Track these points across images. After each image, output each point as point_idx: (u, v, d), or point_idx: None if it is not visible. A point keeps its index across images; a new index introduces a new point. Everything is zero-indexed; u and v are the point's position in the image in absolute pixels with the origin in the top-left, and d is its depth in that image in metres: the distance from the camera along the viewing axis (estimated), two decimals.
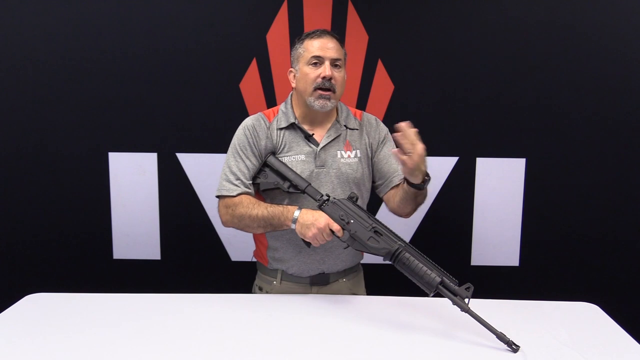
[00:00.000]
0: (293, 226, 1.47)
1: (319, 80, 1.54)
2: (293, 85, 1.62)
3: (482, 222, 2.28)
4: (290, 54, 1.65)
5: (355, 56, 2.17)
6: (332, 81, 1.55)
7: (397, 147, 1.37)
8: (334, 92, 1.56)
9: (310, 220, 1.43)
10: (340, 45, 1.60)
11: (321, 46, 1.55)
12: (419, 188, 1.46)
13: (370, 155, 1.67)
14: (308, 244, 1.49)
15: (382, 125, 1.71)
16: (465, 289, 1.31)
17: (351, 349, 1.26)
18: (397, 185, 1.62)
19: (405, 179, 1.46)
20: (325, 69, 1.54)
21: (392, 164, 1.65)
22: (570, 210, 2.26)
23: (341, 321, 1.41)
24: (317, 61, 1.55)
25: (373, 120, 1.71)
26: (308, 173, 1.57)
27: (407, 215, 1.62)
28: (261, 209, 1.52)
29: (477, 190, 2.26)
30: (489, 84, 2.19)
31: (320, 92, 1.54)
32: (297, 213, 1.47)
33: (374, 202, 2.04)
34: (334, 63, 1.56)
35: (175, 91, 2.19)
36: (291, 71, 1.63)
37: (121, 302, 1.53)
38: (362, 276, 1.78)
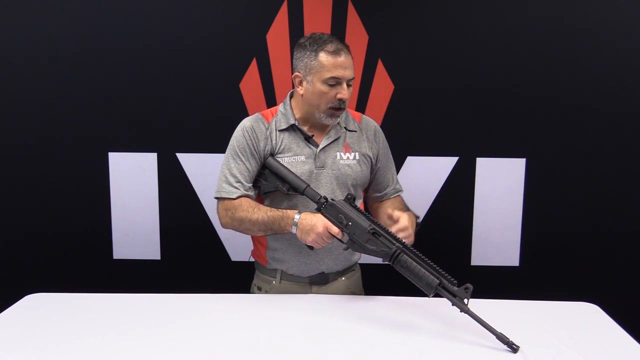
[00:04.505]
0: (294, 230, 1.47)
1: (336, 101, 1.53)
2: (300, 92, 1.58)
3: (482, 222, 2.28)
4: (297, 55, 1.58)
5: (355, 56, 2.15)
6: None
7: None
8: (344, 109, 1.58)
9: (309, 226, 1.44)
10: (350, 56, 1.57)
11: (340, 66, 1.51)
12: None
13: (372, 159, 1.67)
14: (311, 247, 1.50)
15: (379, 131, 1.72)
16: (464, 289, 1.31)
17: (351, 349, 1.26)
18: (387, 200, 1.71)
19: None
20: (344, 92, 1.53)
21: (386, 176, 1.71)
22: (570, 210, 2.26)
23: (341, 321, 1.41)
24: (336, 82, 1.52)
25: (372, 125, 1.71)
26: (308, 174, 1.57)
27: None
28: (261, 213, 1.52)
29: (477, 190, 2.26)
30: (489, 84, 2.19)
31: (333, 111, 1.55)
32: (297, 217, 1.47)
33: None
34: (349, 82, 1.55)
35: (175, 91, 2.19)
36: (297, 76, 1.57)
37: (121, 302, 1.53)
38: (359, 275, 1.78)
